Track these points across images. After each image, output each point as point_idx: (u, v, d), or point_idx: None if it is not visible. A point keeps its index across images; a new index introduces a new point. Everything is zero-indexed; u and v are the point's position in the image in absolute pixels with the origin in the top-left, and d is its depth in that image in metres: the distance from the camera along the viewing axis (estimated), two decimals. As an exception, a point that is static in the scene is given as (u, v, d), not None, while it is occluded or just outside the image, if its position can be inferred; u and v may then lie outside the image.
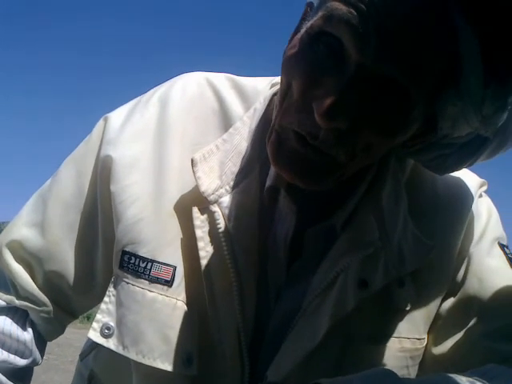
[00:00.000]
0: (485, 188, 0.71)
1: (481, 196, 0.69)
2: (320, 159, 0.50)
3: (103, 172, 0.62)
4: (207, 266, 0.57)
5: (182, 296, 0.58)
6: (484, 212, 0.68)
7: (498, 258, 0.65)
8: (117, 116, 0.66)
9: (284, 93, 0.51)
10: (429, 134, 0.53)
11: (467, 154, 0.58)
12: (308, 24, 0.50)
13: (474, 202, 0.66)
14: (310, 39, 0.49)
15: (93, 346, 0.69)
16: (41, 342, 0.68)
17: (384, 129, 0.48)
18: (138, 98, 0.68)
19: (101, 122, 0.67)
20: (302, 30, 0.51)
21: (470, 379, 0.48)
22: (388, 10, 0.44)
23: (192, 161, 0.58)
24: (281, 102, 0.52)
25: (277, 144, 0.52)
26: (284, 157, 0.51)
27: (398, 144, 0.52)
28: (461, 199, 0.66)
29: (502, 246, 0.66)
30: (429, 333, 0.63)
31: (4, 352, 0.63)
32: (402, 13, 0.44)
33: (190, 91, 0.66)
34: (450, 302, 0.63)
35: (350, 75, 0.46)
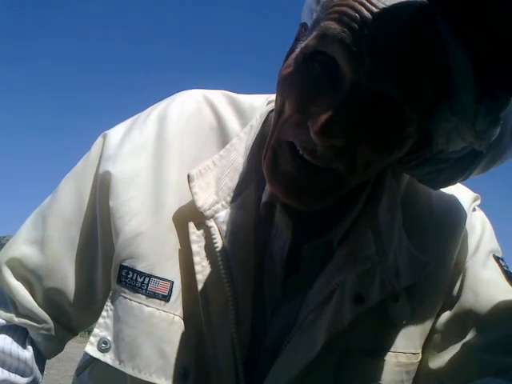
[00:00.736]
0: (478, 202, 0.72)
1: (474, 210, 0.70)
2: (317, 179, 0.51)
3: (102, 188, 0.63)
4: (203, 280, 0.58)
5: (179, 311, 0.59)
6: (478, 226, 0.68)
7: (492, 271, 0.65)
8: (115, 133, 0.67)
9: (279, 111, 0.53)
10: (424, 149, 0.54)
11: (462, 169, 0.59)
12: (303, 44, 0.52)
13: (468, 216, 0.67)
14: (304, 58, 0.50)
15: (89, 360, 0.69)
16: (41, 359, 0.68)
17: (380, 145, 0.50)
18: (136, 115, 0.70)
19: (100, 139, 0.68)
20: (297, 50, 0.53)
21: None
22: (380, 28, 0.45)
23: (188, 176, 0.59)
24: (276, 119, 0.53)
25: (272, 163, 0.53)
26: (279, 178, 0.52)
27: (394, 160, 0.54)
28: (455, 214, 0.66)
29: (497, 259, 0.67)
30: (424, 347, 0.63)
31: (5, 371, 0.63)
32: (392, 31, 0.45)
33: (188, 108, 0.67)
34: (446, 315, 0.64)
35: (344, 93, 0.47)
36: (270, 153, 0.53)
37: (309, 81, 0.49)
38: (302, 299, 0.60)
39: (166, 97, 0.71)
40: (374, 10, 0.46)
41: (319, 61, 0.49)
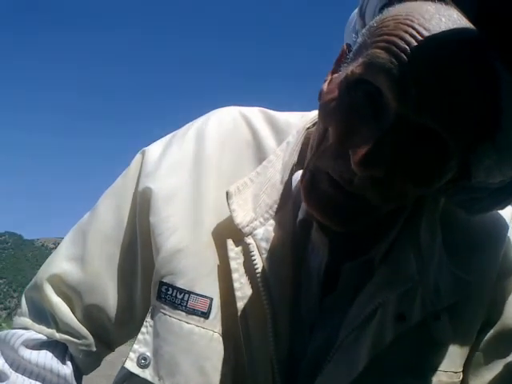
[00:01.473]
0: None
1: None
2: (352, 203, 0.51)
3: (143, 204, 0.64)
4: (241, 297, 0.58)
5: (218, 328, 0.59)
6: None
7: None
8: (154, 149, 0.68)
9: (321, 136, 0.53)
10: (462, 180, 0.54)
11: (500, 199, 0.58)
12: (348, 69, 0.51)
13: (509, 232, 0.66)
14: (348, 86, 0.50)
15: (125, 376, 0.68)
16: (78, 375, 0.69)
17: (420, 179, 0.49)
18: (174, 132, 0.71)
19: (138, 156, 0.69)
20: (341, 74, 0.53)
21: None
22: (428, 62, 0.45)
23: (227, 193, 0.59)
24: (318, 144, 0.53)
25: (310, 184, 0.53)
26: (316, 198, 0.53)
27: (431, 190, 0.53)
28: (495, 230, 0.65)
29: None
30: (466, 366, 0.62)
31: None
32: (441, 65, 0.45)
33: (225, 125, 0.68)
34: (488, 333, 0.62)
35: (388, 124, 0.47)
36: (308, 175, 0.54)
37: (352, 109, 0.49)
38: (341, 318, 0.59)
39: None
40: (424, 43, 0.45)
41: (363, 89, 0.48)
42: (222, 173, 0.64)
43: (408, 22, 0.47)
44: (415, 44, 0.45)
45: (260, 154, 0.65)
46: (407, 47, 0.45)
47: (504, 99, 0.46)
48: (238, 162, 0.65)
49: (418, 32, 0.46)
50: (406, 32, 0.46)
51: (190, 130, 0.68)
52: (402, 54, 0.45)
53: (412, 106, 0.45)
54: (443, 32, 0.46)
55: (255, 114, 0.69)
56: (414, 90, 0.45)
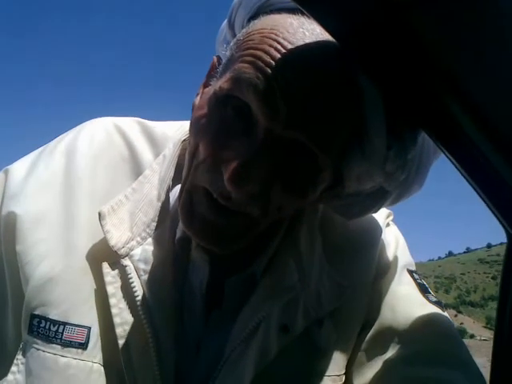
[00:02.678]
0: (391, 218, 0.74)
1: (388, 225, 0.73)
2: (232, 222, 0.50)
3: (7, 230, 0.58)
4: (121, 323, 0.55)
5: (99, 357, 0.55)
6: (392, 241, 0.71)
7: (407, 286, 0.68)
8: (18, 168, 0.62)
9: (193, 153, 0.52)
10: (335, 189, 0.55)
11: (371, 204, 0.61)
12: (216, 84, 0.50)
13: (383, 232, 0.69)
14: (217, 102, 0.49)
15: None
16: None
17: (294, 191, 0.50)
18: (42, 147, 0.65)
19: (1, 175, 0.62)
20: (211, 90, 0.51)
21: None
22: (294, 76, 0.45)
23: (99, 214, 0.56)
24: (190, 161, 0.52)
25: (187, 206, 0.52)
26: (195, 222, 0.52)
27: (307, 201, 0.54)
28: (371, 232, 0.69)
29: (411, 272, 0.70)
30: (348, 367, 0.64)
31: None
32: (307, 80, 0.45)
33: (98, 138, 0.64)
34: (367, 334, 0.65)
35: (258, 140, 0.47)
36: (185, 195, 0.52)
37: (222, 125, 0.48)
38: (226, 334, 0.58)
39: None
40: (289, 57, 0.45)
41: (233, 105, 0.48)
42: (96, 191, 0.60)
43: (273, 35, 0.47)
44: (280, 57, 0.46)
45: (137, 168, 0.63)
46: (272, 62, 0.46)
47: (368, 108, 0.48)
48: (113, 178, 0.62)
49: (283, 46, 0.46)
50: (271, 46, 0.46)
51: (59, 145, 0.63)
52: (268, 69, 0.45)
53: (280, 121, 0.46)
54: (307, 45, 0.47)
55: (131, 125, 0.66)
56: (281, 105, 0.45)
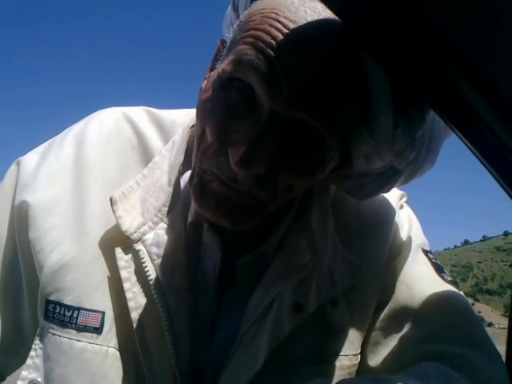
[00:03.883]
0: (405, 199, 0.74)
1: (401, 207, 0.72)
2: (242, 201, 0.50)
3: (20, 219, 0.59)
4: (135, 307, 0.55)
5: (114, 342, 0.56)
6: (405, 222, 0.70)
7: (422, 265, 0.67)
8: (30, 159, 0.63)
9: (200, 136, 0.51)
10: (344, 168, 0.55)
11: (383, 183, 0.61)
12: (220, 67, 0.50)
13: (396, 213, 0.69)
14: (221, 84, 0.49)
15: None
16: None
17: (302, 171, 0.50)
18: (52, 138, 0.66)
19: (13, 167, 0.64)
20: (215, 73, 0.51)
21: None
22: (296, 56, 0.44)
23: (111, 200, 0.56)
24: (198, 145, 0.52)
25: (199, 187, 0.52)
26: (207, 199, 0.51)
27: (317, 180, 0.54)
28: (383, 214, 0.68)
29: (426, 252, 0.69)
30: (363, 345, 0.65)
31: None
32: (309, 59, 0.44)
33: (107, 127, 0.64)
34: (382, 312, 0.65)
35: (263, 121, 0.46)
36: (197, 178, 0.52)
37: (227, 108, 0.48)
38: (240, 315, 0.59)
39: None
40: (291, 36, 0.45)
41: (236, 87, 0.48)
42: (106, 178, 0.61)
43: (273, 15, 0.47)
44: (281, 37, 0.45)
45: (146, 155, 0.63)
46: (273, 42, 0.45)
47: (373, 87, 0.47)
48: (123, 165, 0.62)
49: (284, 25, 0.46)
50: (272, 26, 0.46)
51: (69, 135, 0.64)
52: (269, 49, 0.45)
53: (284, 102, 0.45)
54: (309, 23, 0.46)
55: (139, 114, 0.67)
56: (284, 85, 0.45)
